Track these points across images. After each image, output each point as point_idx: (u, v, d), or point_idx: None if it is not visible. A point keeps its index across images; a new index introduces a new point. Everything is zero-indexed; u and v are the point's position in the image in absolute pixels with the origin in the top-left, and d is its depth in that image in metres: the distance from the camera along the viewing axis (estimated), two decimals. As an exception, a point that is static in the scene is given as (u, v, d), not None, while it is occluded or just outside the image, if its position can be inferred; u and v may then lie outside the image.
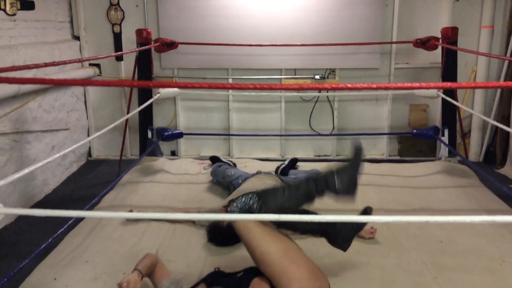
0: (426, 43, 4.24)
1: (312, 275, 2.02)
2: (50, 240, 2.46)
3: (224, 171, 3.73)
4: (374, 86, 1.86)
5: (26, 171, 2.12)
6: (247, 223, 2.05)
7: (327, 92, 5.27)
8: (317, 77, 5.24)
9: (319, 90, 5.27)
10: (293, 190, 2.17)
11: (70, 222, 2.69)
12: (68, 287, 2.37)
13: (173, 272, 2.29)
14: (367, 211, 2.26)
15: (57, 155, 2.53)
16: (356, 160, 2.20)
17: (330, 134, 5.40)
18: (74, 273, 2.51)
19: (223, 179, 3.70)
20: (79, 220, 3.16)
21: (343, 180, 2.10)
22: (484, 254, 2.68)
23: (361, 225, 2.36)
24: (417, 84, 2.40)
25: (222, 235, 2.81)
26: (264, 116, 5.52)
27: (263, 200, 2.12)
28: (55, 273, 2.48)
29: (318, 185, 2.13)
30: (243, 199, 2.14)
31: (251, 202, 2.12)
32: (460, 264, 2.57)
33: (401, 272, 2.48)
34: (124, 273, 2.49)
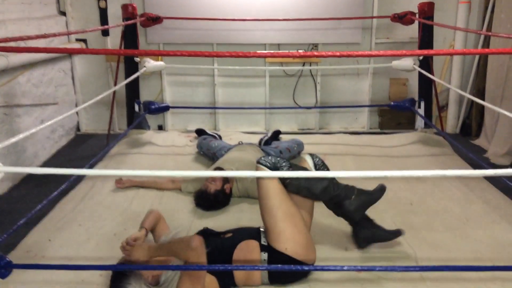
0: (403, 18, 4.38)
1: (302, 242, 2.21)
2: (44, 202, 2.60)
3: (209, 143, 3.89)
4: (354, 53, 2.04)
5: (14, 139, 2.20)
6: (274, 178, 2.27)
7: (310, 66, 5.42)
8: (301, 51, 5.36)
9: (303, 63, 5.42)
10: (317, 180, 2.37)
11: (62, 187, 2.83)
12: (63, 247, 2.54)
13: (171, 227, 2.45)
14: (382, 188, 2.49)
15: (47, 124, 2.62)
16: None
17: (313, 107, 5.57)
18: (67, 235, 2.67)
19: (208, 151, 3.86)
20: (70, 188, 3.31)
21: (357, 201, 2.42)
22: (450, 215, 2.89)
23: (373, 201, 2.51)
24: (394, 52, 2.58)
25: (209, 200, 2.99)
26: (249, 90, 5.66)
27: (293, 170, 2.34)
28: (49, 235, 2.65)
29: (337, 190, 2.41)
30: (277, 159, 2.38)
31: (283, 164, 2.34)
32: (426, 223, 2.78)
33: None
34: (115, 235, 2.68)
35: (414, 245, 2.50)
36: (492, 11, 4.99)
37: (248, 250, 2.21)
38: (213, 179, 3.03)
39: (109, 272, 2.10)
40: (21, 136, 2.30)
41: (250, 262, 2.17)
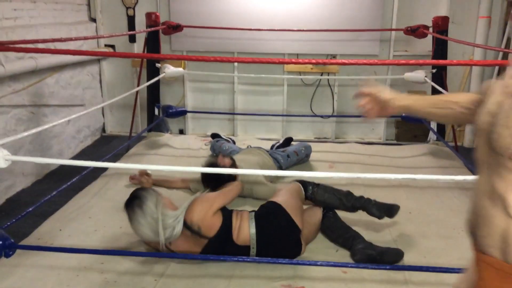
0: (415, 31, 4.44)
1: (298, 219, 2.55)
2: (54, 193, 2.81)
3: (220, 145, 4.04)
4: (367, 61, 2.16)
5: (38, 129, 2.42)
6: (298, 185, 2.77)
7: (328, 75, 5.53)
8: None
9: (321, 73, 5.53)
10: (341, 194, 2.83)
11: (75, 179, 3.03)
12: (71, 237, 2.73)
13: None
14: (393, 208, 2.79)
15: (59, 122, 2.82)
16: (390, 209, 2.77)
17: (330, 116, 5.65)
18: (77, 226, 2.86)
19: (219, 153, 4.00)
20: (86, 184, 3.53)
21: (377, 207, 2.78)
22: (446, 224, 2.93)
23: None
24: (407, 61, 2.67)
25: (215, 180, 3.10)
26: (267, 98, 5.81)
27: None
28: (60, 225, 2.85)
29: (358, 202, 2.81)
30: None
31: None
32: (421, 231, 2.83)
33: (365, 235, 2.75)
34: (121, 227, 2.84)
35: (404, 250, 2.56)
36: (512, 27, 4.98)
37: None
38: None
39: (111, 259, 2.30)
40: (37, 129, 2.54)
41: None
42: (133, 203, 2.42)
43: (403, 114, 4.66)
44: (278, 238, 2.52)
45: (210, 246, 2.43)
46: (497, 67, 5.14)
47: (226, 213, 2.53)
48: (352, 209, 2.83)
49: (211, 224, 2.42)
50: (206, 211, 2.42)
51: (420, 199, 3.31)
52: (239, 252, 2.47)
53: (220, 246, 2.46)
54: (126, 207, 2.46)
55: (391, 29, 5.31)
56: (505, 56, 5.09)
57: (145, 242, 2.54)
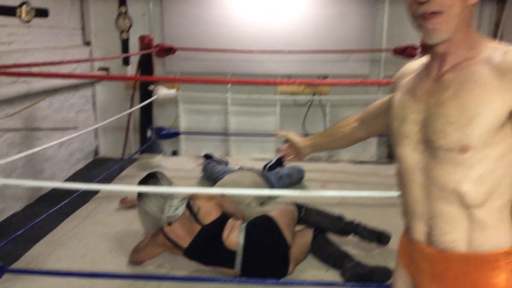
0: (404, 52, 4.50)
1: (289, 236, 2.61)
2: (43, 217, 2.81)
3: (212, 167, 4.06)
4: (358, 81, 2.19)
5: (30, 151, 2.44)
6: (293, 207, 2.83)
7: (320, 96, 5.58)
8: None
9: (313, 93, 5.58)
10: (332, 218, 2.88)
11: (65, 202, 3.04)
12: (60, 261, 2.73)
13: None
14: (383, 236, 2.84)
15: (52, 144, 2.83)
16: (381, 237, 2.82)
17: (323, 137, 5.67)
18: (66, 250, 2.86)
19: (211, 175, 4.02)
20: (77, 207, 3.53)
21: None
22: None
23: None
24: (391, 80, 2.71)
25: None
26: (260, 119, 5.84)
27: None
28: (50, 250, 2.85)
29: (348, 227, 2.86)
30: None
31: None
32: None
33: (355, 255, 2.75)
34: (110, 251, 2.84)
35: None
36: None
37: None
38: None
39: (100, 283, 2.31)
40: (29, 152, 2.55)
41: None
42: (148, 180, 2.60)
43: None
44: (266, 250, 2.55)
45: (200, 236, 2.50)
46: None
47: (225, 214, 2.64)
48: (343, 232, 2.85)
49: (210, 210, 2.57)
50: (211, 199, 2.62)
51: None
52: (224, 255, 2.51)
53: (209, 240, 2.52)
54: (140, 183, 2.63)
55: (381, 50, 5.38)
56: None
57: (145, 231, 2.66)
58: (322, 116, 5.73)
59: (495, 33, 5.19)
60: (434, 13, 1.09)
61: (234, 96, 5.66)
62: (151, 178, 2.62)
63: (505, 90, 1.04)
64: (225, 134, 5.81)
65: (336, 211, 3.20)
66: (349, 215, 3.04)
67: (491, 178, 1.10)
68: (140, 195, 2.60)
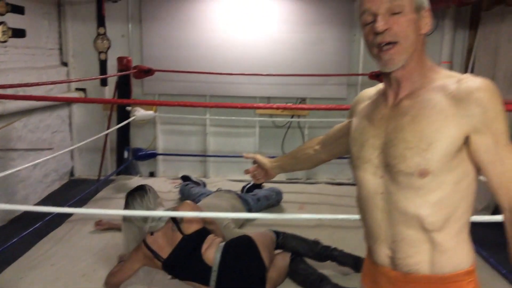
0: (379, 76, 4.59)
1: (266, 257, 2.60)
2: (15, 240, 2.73)
3: (190, 189, 4.03)
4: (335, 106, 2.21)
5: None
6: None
7: (298, 118, 5.64)
8: (289, 105, 5.58)
9: (291, 115, 5.64)
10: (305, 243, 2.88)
11: (38, 225, 2.96)
12: (32, 285, 2.65)
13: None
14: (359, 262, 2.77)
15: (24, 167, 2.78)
16: (357, 262, 2.78)
17: (301, 159, 5.71)
18: (38, 274, 2.78)
19: (189, 197, 3.99)
20: (52, 229, 3.45)
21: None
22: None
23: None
24: None
25: None
26: (240, 140, 5.85)
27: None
28: (22, 273, 2.76)
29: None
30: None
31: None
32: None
33: (332, 277, 2.75)
34: (84, 275, 2.78)
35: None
36: (472, 71, 5.20)
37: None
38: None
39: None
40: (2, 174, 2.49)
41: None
42: (135, 192, 2.64)
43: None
44: (243, 270, 2.54)
45: (181, 247, 2.50)
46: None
47: (206, 228, 2.69)
48: (320, 257, 2.86)
49: (193, 221, 2.58)
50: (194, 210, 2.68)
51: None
52: (201, 269, 2.51)
53: (189, 251, 2.52)
54: (128, 194, 2.66)
55: (357, 74, 5.48)
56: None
57: (125, 246, 2.64)
58: (300, 138, 5.77)
59: (468, 60, 5.34)
60: (389, 43, 1.14)
61: (213, 117, 5.67)
62: (140, 190, 2.66)
63: (460, 117, 1.09)
64: (203, 155, 5.79)
65: (313, 232, 3.21)
66: (326, 236, 3.06)
67: (449, 203, 1.13)
68: (127, 203, 2.62)
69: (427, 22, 1.18)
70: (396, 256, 1.20)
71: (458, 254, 1.17)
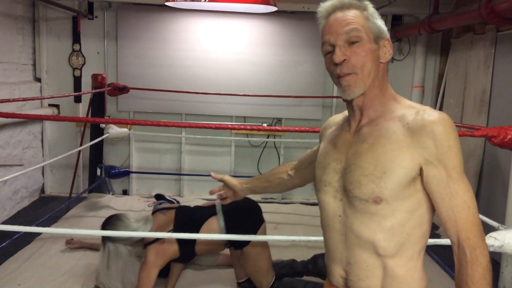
0: (353, 98, 4.68)
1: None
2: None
3: None
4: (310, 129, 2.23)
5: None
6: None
7: (274, 138, 5.68)
8: (265, 125, 5.63)
9: (267, 135, 5.67)
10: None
11: (5, 243, 2.87)
12: (-4, 306, 2.55)
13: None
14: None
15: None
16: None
17: (275, 179, 5.72)
18: (4, 294, 2.69)
19: None
20: (20, 247, 3.34)
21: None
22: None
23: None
24: None
25: None
26: (215, 159, 5.84)
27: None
28: (-14, 294, 2.66)
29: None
30: None
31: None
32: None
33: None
34: (52, 295, 2.69)
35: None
36: (443, 96, 5.35)
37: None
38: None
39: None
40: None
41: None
42: (113, 219, 2.62)
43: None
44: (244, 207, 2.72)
45: (180, 211, 2.78)
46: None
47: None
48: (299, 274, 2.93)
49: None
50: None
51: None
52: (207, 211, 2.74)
53: (188, 209, 2.90)
54: (105, 223, 2.61)
55: (332, 97, 5.58)
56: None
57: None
58: (276, 157, 5.80)
59: (439, 85, 5.50)
60: (348, 73, 1.18)
61: (189, 136, 5.66)
62: (115, 217, 2.64)
63: (414, 148, 1.12)
64: (178, 174, 5.75)
65: (288, 253, 3.22)
66: (301, 257, 3.06)
67: (402, 230, 1.15)
68: (106, 224, 2.59)
69: (386, 52, 1.21)
70: (349, 278, 1.22)
71: (409, 281, 1.17)
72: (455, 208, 1.11)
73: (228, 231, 2.62)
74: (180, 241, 2.59)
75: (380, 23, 1.22)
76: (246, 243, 2.63)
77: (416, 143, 1.12)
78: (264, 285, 2.72)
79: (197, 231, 2.63)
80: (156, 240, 2.54)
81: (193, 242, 2.63)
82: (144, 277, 2.48)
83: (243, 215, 2.70)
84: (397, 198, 1.13)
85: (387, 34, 1.23)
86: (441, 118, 1.12)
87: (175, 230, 2.60)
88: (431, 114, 1.13)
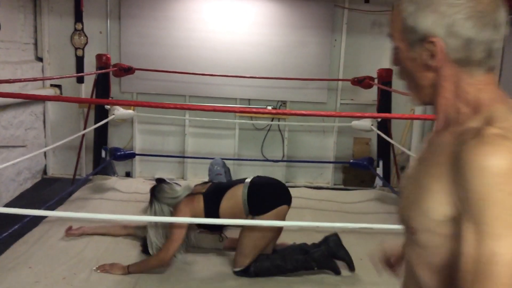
0: (362, 82, 4.65)
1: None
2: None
3: None
4: (318, 113, 2.20)
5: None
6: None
7: (278, 121, 5.64)
8: (270, 107, 5.59)
9: (271, 118, 5.63)
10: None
11: (15, 227, 2.85)
12: (9, 289, 2.53)
13: None
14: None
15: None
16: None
17: (280, 160, 5.71)
18: (16, 277, 2.67)
19: None
20: (26, 231, 3.32)
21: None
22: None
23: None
24: (353, 113, 2.77)
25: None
26: (219, 141, 5.81)
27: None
28: (-2, 277, 2.64)
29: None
30: None
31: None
32: (373, 278, 2.85)
33: (318, 283, 2.75)
34: (64, 278, 2.69)
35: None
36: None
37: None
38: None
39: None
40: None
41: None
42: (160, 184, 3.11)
43: (351, 161, 4.84)
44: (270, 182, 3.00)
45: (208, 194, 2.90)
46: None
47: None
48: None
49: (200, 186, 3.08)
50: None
51: (370, 245, 3.35)
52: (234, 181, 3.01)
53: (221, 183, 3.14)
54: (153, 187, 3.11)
55: (339, 79, 5.52)
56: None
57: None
58: (280, 140, 5.77)
59: None
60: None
61: (193, 118, 5.61)
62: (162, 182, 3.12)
63: (451, 183, 0.85)
64: (182, 156, 5.71)
65: (296, 236, 3.21)
66: (305, 240, 3.07)
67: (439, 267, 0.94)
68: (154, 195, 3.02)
69: (432, 55, 0.91)
70: None
71: None
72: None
73: (250, 199, 2.78)
74: (205, 198, 2.86)
75: None
76: (265, 211, 2.75)
77: (454, 178, 0.84)
78: (240, 263, 2.84)
79: (223, 194, 2.85)
80: (188, 196, 2.94)
81: (217, 202, 2.84)
82: (175, 226, 2.80)
83: (268, 190, 2.88)
84: (429, 232, 0.92)
85: (431, 32, 0.93)
86: (488, 154, 0.78)
87: (205, 194, 2.89)
88: (477, 145, 0.80)
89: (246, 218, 2.82)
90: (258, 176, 3.02)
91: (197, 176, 5.75)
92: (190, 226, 2.96)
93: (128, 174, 5.75)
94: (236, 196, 2.82)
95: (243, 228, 2.85)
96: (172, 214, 2.91)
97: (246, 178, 2.95)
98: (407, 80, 1.00)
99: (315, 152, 5.80)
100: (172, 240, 2.78)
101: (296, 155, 5.79)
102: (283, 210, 2.82)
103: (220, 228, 3.15)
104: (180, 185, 4.41)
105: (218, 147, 5.79)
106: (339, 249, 2.93)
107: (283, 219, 2.85)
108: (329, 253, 2.90)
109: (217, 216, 2.84)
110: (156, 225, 2.93)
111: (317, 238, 3.17)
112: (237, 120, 5.66)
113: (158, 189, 3.02)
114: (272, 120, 5.69)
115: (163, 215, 2.93)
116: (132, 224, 3.36)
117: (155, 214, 2.94)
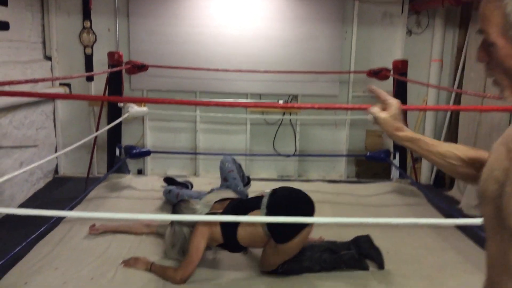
0: (378, 74, 4.61)
1: None
2: (24, 244, 2.59)
3: (177, 194, 3.84)
4: (331, 106, 2.17)
5: None
6: None
7: (290, 115, 5.60)
8: (281, 102, 5.54)
9: (283, 112, 5.59)
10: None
11: (41, 229, 2.82)
12: (38, 291, 2.50)
13: None
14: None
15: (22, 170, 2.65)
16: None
17: (292, 155, 5.68)
18: (44, 278, 2.63)
19: (176, 200, 3.78)
20: (47, 232, 3.28)
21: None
22: (424, 263, 2.96)
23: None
24: (367, 106, 2.71)
25: None
26: (230, 137, 5.77)
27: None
28: (25, 279, 2.61)
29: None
30: None
31: None
32: (402, 271, 2.83)
33: (347, 277, 2.73)
34: (92, 279, 2.66)
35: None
36: (463, 70, 5.28)
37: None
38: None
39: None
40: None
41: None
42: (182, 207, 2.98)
43: (368, 154, 4.81)
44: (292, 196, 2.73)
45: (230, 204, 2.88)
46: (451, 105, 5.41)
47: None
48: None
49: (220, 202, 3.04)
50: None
51: (395, 237, 3.33)
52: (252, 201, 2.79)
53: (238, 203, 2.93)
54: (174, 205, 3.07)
55: (349, 72, 5.48)
56: (457, 96, 5.38)
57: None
58: (292, 135, 5.74)
59: (458, 58, 5.42)
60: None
61: (203, 114, 5.57)
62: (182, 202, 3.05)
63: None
64: (194, 153, 5.68)
65: (320, 230, 3.18)
66: (331, 235, 3.04)
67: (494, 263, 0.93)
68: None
69: None
70: None
71: None
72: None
73: (269, 226, 2.55)
74: (222, 224, 2.65)
75: None
76: (288, 239, 2.55)
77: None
78: (266, 268, 2.76)
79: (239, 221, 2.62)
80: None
81: (234, 226, 2.63)
82: (194, 246, 2.66)
83: (289, 213, 2.51)
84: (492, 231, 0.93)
85: None
86: None
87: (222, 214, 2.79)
88: None
89: (268, 241, 2.64)
90: (274, 193, 2.72)
91: (209, 172, 5.72)
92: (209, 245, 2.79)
93: (140, 172, 5.72)
94: (253, 225, 2.61)
95: (267, 249, 2.69)
96: (191, 234, 2.74)
97: (261, 197, 2.71)
98: (503, 77, 0.94)
99: (328, 145, 5.77)
100: (191, 262, 2.64)
101: (308, 149, 5.76)
102: (307, 232, 2.60)
103: (240, 250, 2.86)
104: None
105: (229, 142, 5.76)
106: (371, 250, 2.88)
107: (307, 237, 2.67)
108: (360, 255, 2.85)
109: (236, 241, 2.68)
110: (173, 245, 2.90)
111: (340, 232, 3.15)
112: (249, 115, 5.63)
113: (177, 210, 2.95)
114: (283, 115, 5.65)
115: (184, 236, 2.84)
116: (154, 223, 3.33)
117: (174, 235, 2.87)
